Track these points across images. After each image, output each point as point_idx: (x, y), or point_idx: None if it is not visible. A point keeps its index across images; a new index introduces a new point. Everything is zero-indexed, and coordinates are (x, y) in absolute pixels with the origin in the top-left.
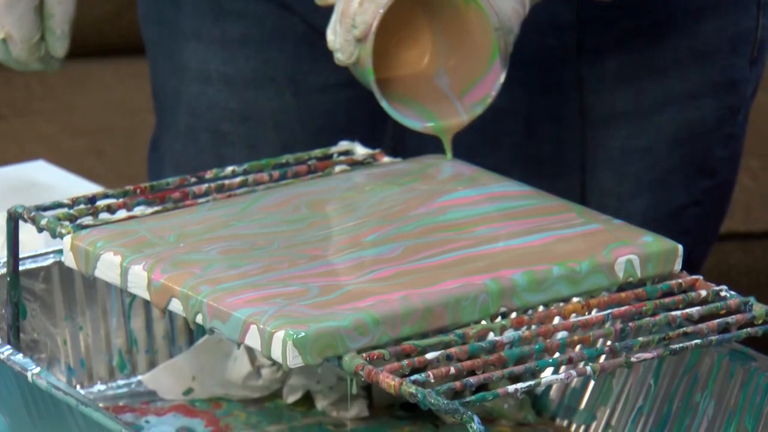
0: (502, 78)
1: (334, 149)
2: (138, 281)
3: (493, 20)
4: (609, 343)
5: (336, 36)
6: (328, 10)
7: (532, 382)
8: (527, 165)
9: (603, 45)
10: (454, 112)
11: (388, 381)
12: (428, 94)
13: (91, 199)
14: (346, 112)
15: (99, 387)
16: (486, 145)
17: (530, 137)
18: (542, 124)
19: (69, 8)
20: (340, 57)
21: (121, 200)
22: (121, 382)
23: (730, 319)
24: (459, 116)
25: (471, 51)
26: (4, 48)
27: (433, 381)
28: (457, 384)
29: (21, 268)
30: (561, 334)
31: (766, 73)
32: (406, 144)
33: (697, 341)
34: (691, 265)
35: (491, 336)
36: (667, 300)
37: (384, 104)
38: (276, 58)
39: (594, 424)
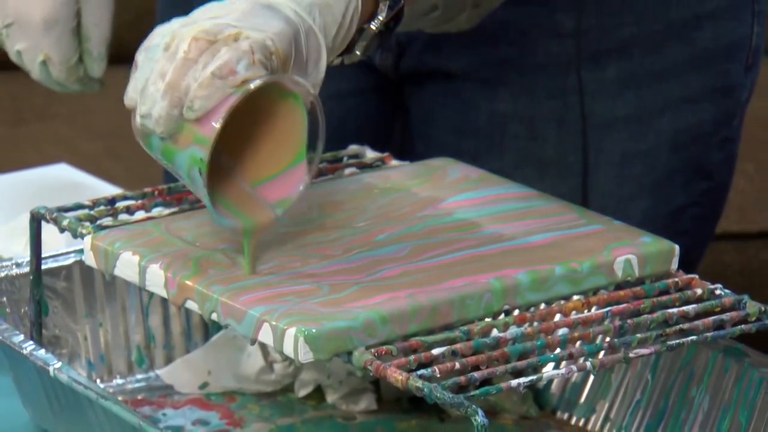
0: (303, 183)
1: (344, 152)
2: (156, 280)
3: (305, 119)
4: (608, 339)
5: (150, 105)
6: None
7: (534, 377)
8: (531, 168)
9: (603, 52)
10: (260, 208)
11: (395, 376)
12: (229, 191)
13: (111, 201)
14: (356, 119)
15: (118, 381)
16: (491, 148)
17: (533, 141)
18: (545, 128)
19: (105, 30)
20: (155, 128)
21: (139, 202)
22: (139, 376)
23: (725, 316)
24: (266, 212)
25: (274, 143)
26: (45, 70)
27: (438, 376)
28: (462, 379)
29: (43, 267)
30: (562, 331)
31: (759, 79)
32: (414, 149)
33: (693, 338)
34: (688, 264)
35: (495, 332)
36: (664, 298)
37: (209, 207)
38: None
39: (593, 418)
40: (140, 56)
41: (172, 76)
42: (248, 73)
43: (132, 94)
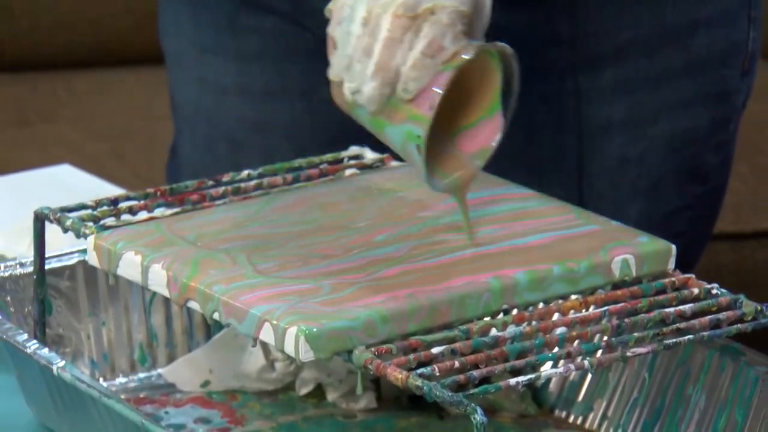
0: (500, 133)
1: (344, 154)
2: (158, 279)
3: (501, 73)
4: (606, 338)
5: (359, 83)
6: None
7: (532, 376)
8: (528, 171)
9: (600, 57)
10: (461, 164)
11: (395, 374)
12: (432, 149)
13: (114, 201)
14: (357, 123)
15: (121, 380)
16: None
17: (531, 144)
18: (542, 132)
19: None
20: (367, 106)
21: (142, 202)
22: (141, 375)
23: (721, 315)
24: (468, 167)
25: (469, 95)
26: None
27: (438, 374)
28: (461, 377)
29: (47, 266)
30: (560, 330)
31: (755, 83)
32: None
33: (690, 337)
34: (684, 266)
35: (494, 332)
36: (661, 297)
37: (425, 178)
38: (289, 71)
39: (591, 416)
40: (336, 32)
41: (380, 57)
42: (455, 46)
43: (337, 69)
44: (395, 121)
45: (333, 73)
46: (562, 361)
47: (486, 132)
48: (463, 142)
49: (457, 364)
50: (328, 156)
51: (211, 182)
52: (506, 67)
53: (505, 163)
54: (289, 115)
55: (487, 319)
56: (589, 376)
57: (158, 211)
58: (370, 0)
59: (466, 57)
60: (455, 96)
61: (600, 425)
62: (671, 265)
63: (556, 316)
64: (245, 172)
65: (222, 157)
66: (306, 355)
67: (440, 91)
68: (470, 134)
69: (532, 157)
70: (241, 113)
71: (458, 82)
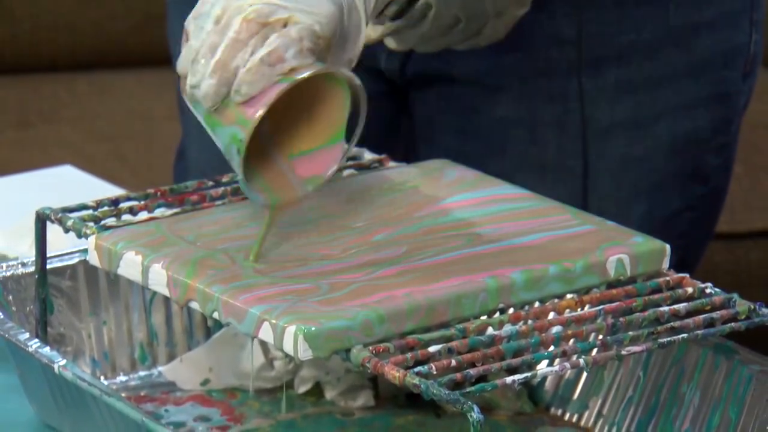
0: (337, 163)
1: None
2: (158, 279)
3: (348, 103)
4: (601, 337)
5: (199, 78)
6: None
7: (528, 374)
8: (531, 171)
9: (603, 59)
10: (288, 186)
11: (393, 373)
12: (264, 163)
13: (115, 202)
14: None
15: (121, 378)
16: (493, 152)
17: (534, 145)
18: (546, 132)
19: None
20: (202, 102)
21: (142, 202)
22: (142, 373)
23: (715, 314)
24: (293, 191)
25: (315, 120)
26: None
27: (435, 373)
28: (458, 375)
29: (48, 266)
30: (556, 329)
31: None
32: (418, 152)
33: (684, 335)
34: (684, 266)
35: (490, 330)
36: (655, 296)
37: (242, 184)
38: None
39: (586, 413)
40: (190, 25)
41: (221, 55)
42: (296, 61)
43: (184, 62)
44: (225, 121)
45: (179, 65)
46: (557, 360)
47: (324, 160)
48: (300, 164)
49: (453, 362)
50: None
51: (210, 183)
52: (355, 97)
53: (509, 163)
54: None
55: (483, 318)
56: (585, 374)
57: (158, 212)
58: (229, 0)
59: (304, 74)
60: (300, 118)
61: (595, 423)
62: (666, 264)
63: (551, 315)
64: None
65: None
66: (305, 353)
67: (268, 103)
68: (308, 159)
69: (536, 157)
70: None
71: (304, 105)
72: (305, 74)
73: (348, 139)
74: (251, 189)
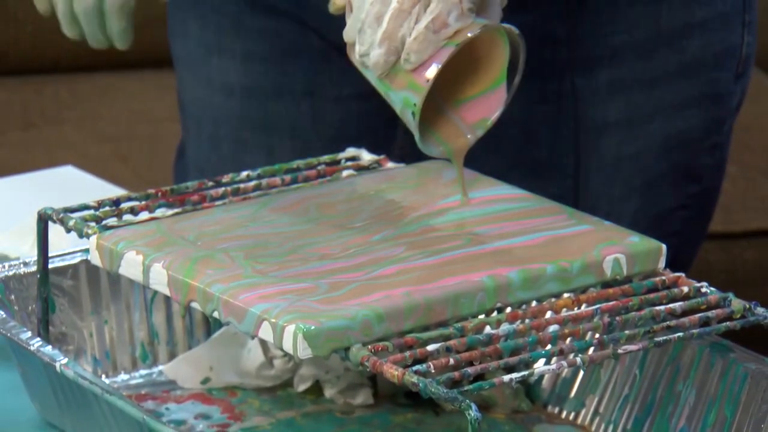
0: (503, 106)
1: (341, 155)
2: (159, 278)
3: (508, 49)
4: (597, 335)
5: (367, 47)
6: (343, 25)
7: (525, 372)
8: (525, 170)
9: (596, 59)
10: (458, 132)
11: (391, 371)
12: (432, 115)
13: (116, 202)
14: (358, 122)
15: (122, 377)
16: (486, 150)
17: (528, 144)
18: (539, 131)
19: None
20: (373, 70)
21: (143, 203)
22: (143, 372)
23: (711, 313)
24: (463, 136)
25: (477, 67)
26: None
27: (433, 371)
28: (456, 374)
29: (50, 266)
30: (553, 328)
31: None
32: (414, 151)
33: (680, 334)
34: (678, 265)
35: (488, 329)
36: (651, 296)
37: (420, 143)
38: (293, 71)
39: (583, 411)
40: None
41: (388, 25)
42: (459, 24)
43: (350, 32)
44: (396, 86)
45: (347, 35)
46: (554, 358)
47: (489, 104)
48: (466, 111)
49: (452, 361)
50: (326, 157)
51: (211, 183)
52: (513, 46)
53: (503, 162)
54: (293, 114)
55: (481, 317)
56: (581, 372)
57: (159, 212)
58: None
59: (468, 35)
60: (462, 66)
61: (592, 421)
62: (662, 264)
63: (548, 315)
64: (244, 173)
65: (227, 156)
66: (304, 352)
67: (438, 66)
68: (473, 104)
69: (530, 156)
70: (246, 113)
71: (466, 54)
72: (470, 35)
73: (509, 84)
74: (426, 144)
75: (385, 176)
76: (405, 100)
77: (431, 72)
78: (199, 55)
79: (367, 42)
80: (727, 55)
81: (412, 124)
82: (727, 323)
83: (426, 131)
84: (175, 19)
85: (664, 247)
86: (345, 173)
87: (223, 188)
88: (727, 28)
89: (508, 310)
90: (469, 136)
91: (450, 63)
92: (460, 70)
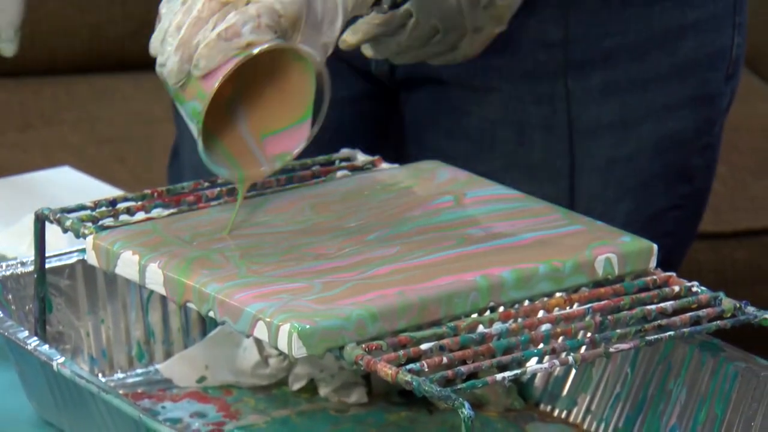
0: (305, 141)
1: (336, 156)
2: (155, 278)
3: (314, 82)
4: (589, 334)
5: (166, 57)
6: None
7: (518, 371)
8: (519, 171)
9: (589, 61)
10: (255, 162)
11: (385, 370)
12: (233, 140)
13: (112, 202)
14: (351, 126)
15: (119, 375)
16: (482, 152)
17: (522, 145)
18: (533, 133)
19: (12, 16)
20: (167, 79)
21: (139, 203)
22: (139, 370)
23: (701, 312)
24: (259, 167)
25: (284, 100)
26: None
27: (427, 370)
28: (449, 373)
29: (47, 265)
30: (545, 327)
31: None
32: (408, 152)
33: (671, 333)
34: (669, 264)
35: (481, 328)
36: (642, 295)
37: (202, 154)
38: None
39: (575, 410)
40: (163, 8)
41: (184, 33)
42: (253, 36)
43: (154, 43)
44: (187, 97)
45: (151, 47)
46: (547, 357)
47: (292, 138)
48: (270, 143)
49: (445, 360)
50: (321, 158)
51: (207, 183)
52: (318, 75)
53: (498, 163)
54: None
55: (474, 316)
56: (573, 371)
57: (155, 212)
58: None
59: (259, 48)
60: (270, 98)
61: (584, 419)
62: (653, 263)
63: (541, 314)
64: None
65: None
66: (299, 351)
67: (223, 75)
68: (278, 138)
69: (524, 157)
70: None
71: (274, 85)
72: (260, 48)
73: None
74: (216, 163)
75: (380, 177)
76: (193, 110)
77: (217, 79)
78: None
79: (166, 52)
80: (718, 56)
81: (195, 132)
82: (718, 322)
83: (222, 152)
84: None
85: (655, 246)
86: (339, 174)
87: (218, 189)
88: (719, 29)
89: (501, 309)
90: (264, 168)
91: (256, 93)
92: (267, 101)
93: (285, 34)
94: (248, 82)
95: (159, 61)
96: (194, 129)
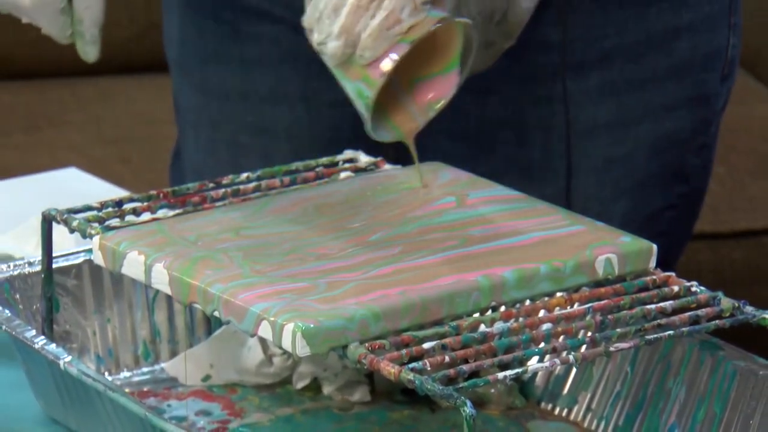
0: (455, 88)
1: (339, 157)
2: (160, 278)
3: (462, 36)
4: (590, 334)
5: (326, 36)
6: None
7: (519, 370)
8: (518, 171)
9: (587, 62)
10: (410, 117)
11: (388, 369)
12: (388, 98)
13: (118, 203)
14: (352, 126)
15: (125, 374)
16: (481, 153)
17: (521, 146)
18: (532, 134)
19: (96, 13)
20: (328, 61)
21: (145, 204)
22: (145, 369)
23: (700, 312)
24: (414, 121)
25: (433, 51)
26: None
27: (429, 369)
28: (452, 371)
29: (54, 265)
30: (546, 326)
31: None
32: (408, 154)
33: (670, 332)
34: (666, 263)
35: (482, 328)
36: (642, 295)
37: (369, 128)
38: (289, 76)
39: (576, 408)
40: None
41: (345, 20)
42: (412, 19)
43: (310, 19)
44: (351, 77)
45: (306, 21)
46: (548, 356)
47: (441, 85)
48: (418, 91)
49: (447, 358)
50: (324, 159)
51: (211, 184)
52: (467, 35)
53: (497, 164)
54: (289, 119)
55: (476, 315)
56: (574, 370)
57: (161, 213)
58: None
59: (421, 33)
60: (418, 49)
61: (584, 417)
62: (652, 263)
63: (542, 313)
64: (244, 175)
65: (224, 159)
66: (303, 350)
67: (392, 63)
68: (426, 84)
69: (523, 157)
70: (243, 118)
71: (423, 41)
72: (423, 33)
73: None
74: (377, 129)
75: (382, 178)
76: (359, 91)
77: (385, 68)
78: (196, 61)
79: (324, 31)
80: (713, 57)
81: (364, 114)
82: (717, 322)
83: (377, 116)
84: (171, 26)
85: (654, 247)
86: (342, 175)
87: (223, 189)
88: (714, 30)
89: (503, 308)
90: (419, 120)
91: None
92: (415, 53)
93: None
94: None
95: (317, 39)
96: (362, 108)
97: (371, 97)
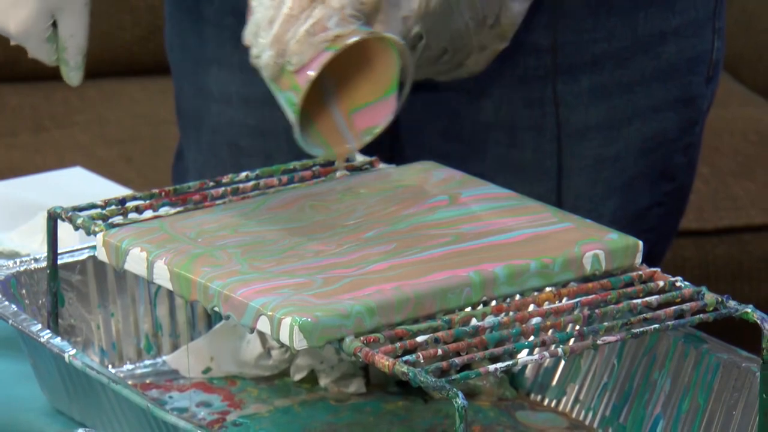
0: (392, 114)
1: None
2: (161, 274)
3: (399, 59)
4: (578, 327)
5: (260, 50)
6: None
7: (509, 362)
8: (510, 171)
9: (577, 66)
10: (343, 140)
11: (383, 361)
12: (323, 118)
13: (121, 201)
14: None
15: (128, 367)
16: (474, 154)
17: (513, 147)
18: (523, 135)
19: (80, 41)
20: (263, 72)
21: (147, 202)
22: (147, 362)
23: (685, 306)
24: (348, 144)
25: (370, 76)
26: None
27: (422, 361)
28: (444, 364)
29: (59, 261)
30: (535, 320)
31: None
32: (404, 154)
33: (656, 326)
34: (652, 258)
35: (474, 322)
36: (629, 290)
37: (299, 138)
38: None
39: (564, 399)
40: (253, 1)
41: (277, 30)
42: (339, 29)
43: (248, 35)
44: (282, 87)
45: (245, 38)
46: (537, 349)
47: (378, 112)
48: (357, 118)
49: (440, 351)
50: (321, 159)
51: (212, 183)
52: (403, 58)
53: (490, 164)
54: (288, 121)
55: (468, 310)
56: (563, 362)
57: (163, 210)
58: None
59: (347, 42)
60: (357, 74)
61: (573, 408)
62: (638, 259)
63: (531, 307)
64: (243, 174)
65: (225, 160)
66: (300, 343)
67: (317, 68)
68: (365, 112)
69: (514, 158)
70: (244, 121)
71: (360, 62)
72: (348, 42)
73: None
74: (310, 144)
75: (377, 176)
76: (288, 99)
77: (311, 73)
78: (198, 66)
79: (259, 46)
80: (699, 60)
81: (293, 122)
82: (701, 315)
83: (313, 132)
84: (173, 31)
85: (640, 243)
86: (339, 173)
87: (223, 188)
88: (699, 34)
89: (494, 303)
90: (352, 144)
91: (344, 70)
92: (354, 78)
93: (369, 17)
94: (337, 63)
95: (253, 53)
96: (291, 117)
97: (298, 103)
